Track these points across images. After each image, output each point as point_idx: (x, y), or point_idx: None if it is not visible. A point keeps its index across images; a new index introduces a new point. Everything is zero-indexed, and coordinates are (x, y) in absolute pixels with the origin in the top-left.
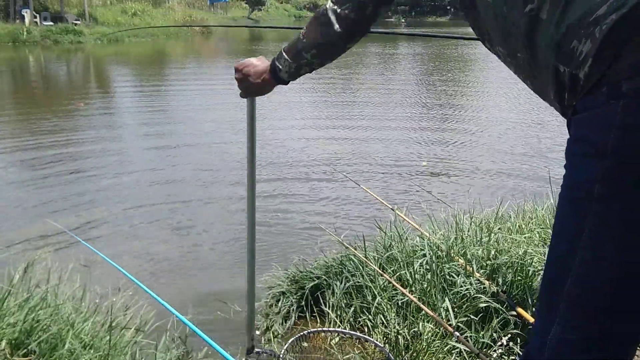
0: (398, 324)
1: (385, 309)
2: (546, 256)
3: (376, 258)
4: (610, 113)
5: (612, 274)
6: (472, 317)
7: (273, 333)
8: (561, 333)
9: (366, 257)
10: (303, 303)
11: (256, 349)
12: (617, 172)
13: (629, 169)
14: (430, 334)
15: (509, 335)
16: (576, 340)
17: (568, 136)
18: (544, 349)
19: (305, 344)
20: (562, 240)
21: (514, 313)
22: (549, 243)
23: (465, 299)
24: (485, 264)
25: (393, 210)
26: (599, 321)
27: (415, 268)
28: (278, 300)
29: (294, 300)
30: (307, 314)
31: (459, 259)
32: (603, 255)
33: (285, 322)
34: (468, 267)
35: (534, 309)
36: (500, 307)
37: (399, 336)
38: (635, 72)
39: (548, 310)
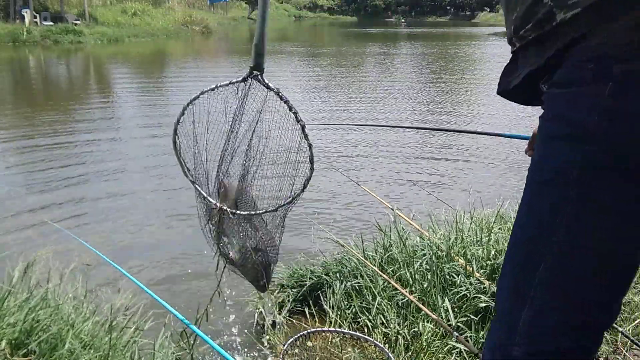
0: (398, 324)
1: (386, 309)
2: (510, 239)
3: (376, 258)
4: (597, 95)
5: (594, 263)
6: (472, 317)
7: (270, 322)
8: (534, 316)
9: (365, 258)
10: (301, 297)
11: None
12: (603, 158)
13: (615, 157)
14: (430, 334)
15: None
16: (555, 323)
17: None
18: (514, 336)
19: (305, 344)
20: (531, 224)
21: None
22: None
23: (465, 299)
24: (485, 264)
25: (393, 210)
26: (586, 312)
27: (415, 268)
28: (276, 290)
29: (291, 292)
30: (305, 310)
31: (459, 259)
32: (585, 245)
33: (281, 310)
34: (468, 267)
35: None
36: None
37: (399, 336)
38: (628, 54)
39: (516, 296)
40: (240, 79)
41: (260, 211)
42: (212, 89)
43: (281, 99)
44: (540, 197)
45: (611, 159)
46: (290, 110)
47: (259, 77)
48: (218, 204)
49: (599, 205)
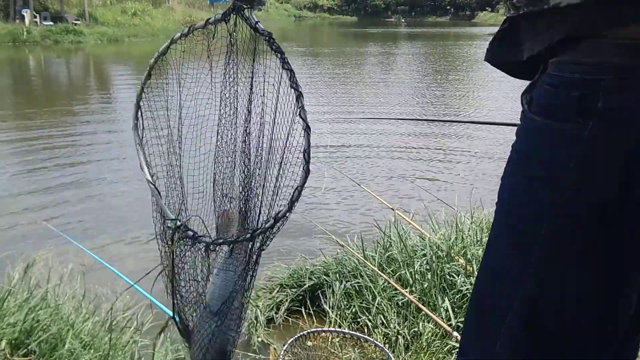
0: (398, 324)
1: (386, 309)
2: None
3: (376, 258)
4: (577, 135)
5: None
6: None
7: (266, 321)
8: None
9: (365, 258)
10: (300, 297)
11: None
12: (575, 212)
13: (588, 214)
14: (430, 334)
15: None
16: None
17: None
18: None
19: (305, 344)
20: (499, 245)
21: None
22: None
23: (465, 299)
24: None
25: (393, 210)
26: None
27: (415, 268)
28: (273, 290)
29: (290, 292)
30: (305, 310)
31: (459, 259)
32: (554, 298)
33: (278, 310)
34: (468, 267)
35: None
36: None
37: (399, 336)
38: (619, 81)
39: (482, 330)
40: (219, 16)
41: (228, 239)
42: (185, 35)
43: (273, 48)
44: (506, 238)
45: (584, 215)
46: (283, 66)
47: (248, 12)
48: (178, 221)
49: (567, 263)
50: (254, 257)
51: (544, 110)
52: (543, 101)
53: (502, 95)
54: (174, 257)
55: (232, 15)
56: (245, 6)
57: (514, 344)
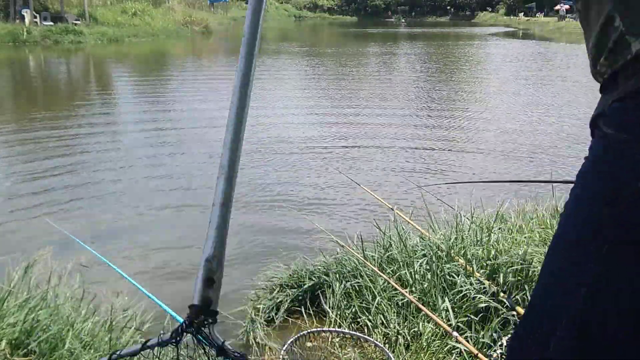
0: (398, 324)
1: (385, 309)
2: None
3: (376, 258)
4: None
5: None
6: (472, 317)
7: (265, 321)
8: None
9: (365, 258)
10: (300, 297)
11: None
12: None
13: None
14: (430, 334)
15: (509, 335)
16: None
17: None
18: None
19: (305, 344)
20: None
21: (514, 313)
22: (549, 243)
23: (465, 299)
24: (485, 264)
25: (392, 210)
26: None
27: (415, 268)
28: (273, 290)
29: (290, 292)
30: (305, 310)
31: (459, 259)
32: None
33: (277, 310)
34: (468, 267)
35: None
36: (500, 307)
37: (399, 336)
38: None
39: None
40: (166, 336)
41: None
42: None
43: None
44: (564, 247)
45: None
46: None
47: (209, 328)
48: None
49: (620, 287)
50: None
51: (614, 123)
52: (614, 114)
53: (510, 94)
54: None
55: (184, 334)
56: (207, 321)
57: (563, 350)
